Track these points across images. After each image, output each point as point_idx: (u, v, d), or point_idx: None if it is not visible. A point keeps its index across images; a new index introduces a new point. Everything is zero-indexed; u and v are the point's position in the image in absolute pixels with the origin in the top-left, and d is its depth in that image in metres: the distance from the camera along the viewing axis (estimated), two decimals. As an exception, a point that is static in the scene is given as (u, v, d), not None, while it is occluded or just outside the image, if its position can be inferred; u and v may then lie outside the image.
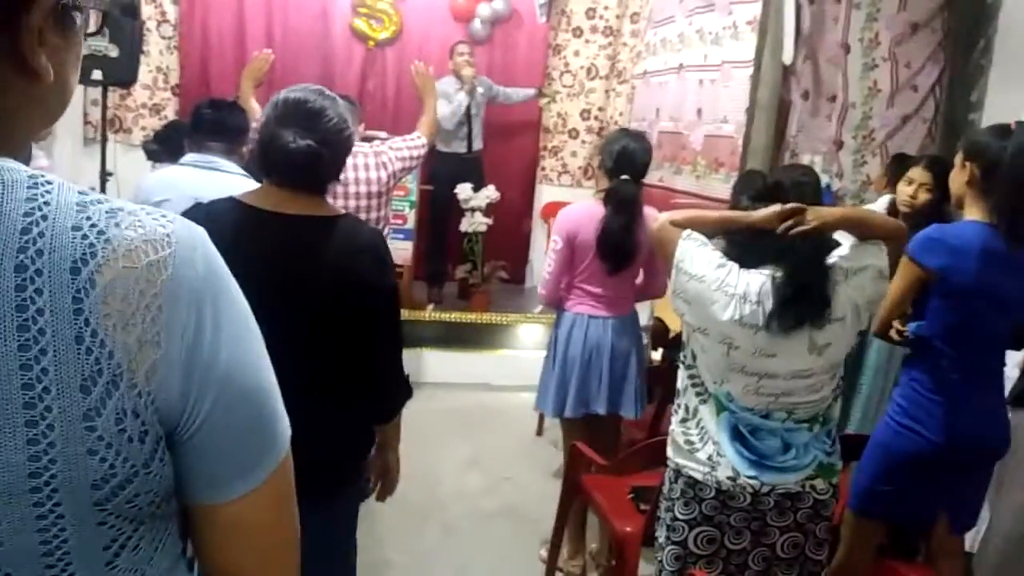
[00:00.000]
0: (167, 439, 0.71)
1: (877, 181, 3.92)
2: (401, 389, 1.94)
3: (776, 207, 1.83)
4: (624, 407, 2.98)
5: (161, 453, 0.71)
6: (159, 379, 0.68)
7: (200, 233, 0.73)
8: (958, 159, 2.21)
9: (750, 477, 1.86)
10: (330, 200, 3.02)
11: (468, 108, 5.49)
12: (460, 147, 5.62)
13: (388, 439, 1.99)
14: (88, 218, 0.66)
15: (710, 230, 1.95)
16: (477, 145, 5.70)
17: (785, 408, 1.87)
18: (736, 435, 1.87)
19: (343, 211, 1.82)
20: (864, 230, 1.89)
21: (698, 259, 1.85)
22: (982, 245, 2.09)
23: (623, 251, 2.82)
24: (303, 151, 1.65)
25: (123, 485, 0.68)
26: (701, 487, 1.90)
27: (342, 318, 1.71)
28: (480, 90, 5.62)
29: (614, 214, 2.79)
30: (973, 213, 2.16)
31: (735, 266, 1.84)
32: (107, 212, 0.67)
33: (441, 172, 5.49)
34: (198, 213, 1.71)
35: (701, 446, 1.90)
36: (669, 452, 2.00)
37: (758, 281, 1.81)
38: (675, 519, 1.95)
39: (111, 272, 0.65)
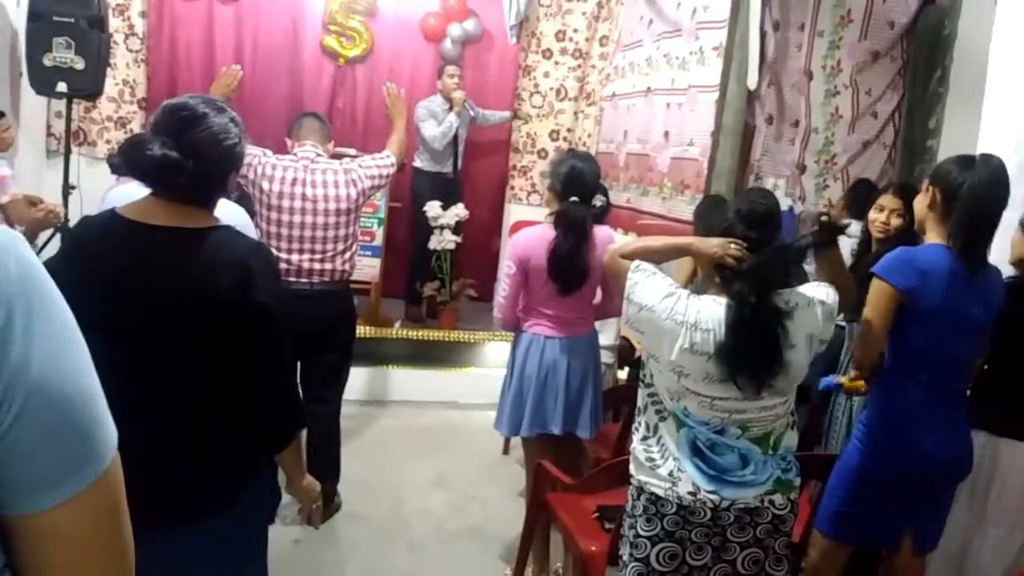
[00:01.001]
0: None
1: (837, 205, 4.00)
2: (285, 417, 1.78)
3: (721, 241, 1.88)
4: (580, 427, 2.97)
5: None
6: None
7: (14, 238, 0.71)
8: (924, 184, 2.28)
9: (710, 492, 1.88)
10: (297, 217, 3.12)
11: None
12: (447, 168, 5.64)
13: (286, 468, 1.87)
14: None
15: (659, 258, 2.01)
16: (460, 165, 5.73)
17: (738, 424, 1.90)
18: (695, 451, 1.89)
19: (223, 224, 1.69)
20: (834, 270, 2.06)
21: (648, 289, 1.89)
22: (948, 268, 2.13)
23: (574, 273, 2.84)
24: (157, 160, 1.54)
25: None
26: (663, 503, 1.91)
27: (199, 334, 1.60)
28: (471, 113, 5.67)
29: (564, 236, 2.81)
30: (933, 236, 2.21)
31: (684, 293, 1.88)
32: None
33: (427, 192, 5.45)
34: (82, 223, 1.73)
35: (662, 462, 1.92)
36: (632, 469, 2.01)
37: (711, 309, 1.85)
38: (638, 536, 1.96)
39: None
